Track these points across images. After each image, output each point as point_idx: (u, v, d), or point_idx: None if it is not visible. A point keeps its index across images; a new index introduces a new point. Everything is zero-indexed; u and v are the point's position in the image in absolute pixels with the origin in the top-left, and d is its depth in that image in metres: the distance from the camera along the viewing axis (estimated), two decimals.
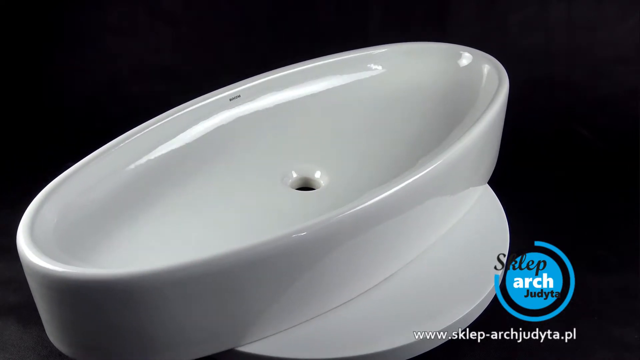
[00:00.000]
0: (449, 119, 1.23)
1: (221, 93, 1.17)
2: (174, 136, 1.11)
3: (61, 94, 1.75)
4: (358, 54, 1.32)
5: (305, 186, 1.19)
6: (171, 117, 1.10)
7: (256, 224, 1.06)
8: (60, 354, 1.04)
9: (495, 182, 1.27)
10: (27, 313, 1.11)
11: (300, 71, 1.27)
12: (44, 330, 1.07)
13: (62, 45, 1.80)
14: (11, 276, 1.20)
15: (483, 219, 1.17)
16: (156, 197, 1.05)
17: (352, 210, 0.84)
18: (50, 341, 1.05)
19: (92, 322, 0.80)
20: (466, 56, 1.29)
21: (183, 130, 1.12)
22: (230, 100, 1.13)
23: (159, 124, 1.08)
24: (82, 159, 0.94)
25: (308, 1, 1.79)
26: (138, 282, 0.76)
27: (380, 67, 1.33)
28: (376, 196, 0.86)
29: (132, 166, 1.04)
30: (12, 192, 1.45)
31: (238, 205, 1.10)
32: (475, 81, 1.24)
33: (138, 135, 1.05)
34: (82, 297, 0.78)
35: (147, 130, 1.06)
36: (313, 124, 1.28)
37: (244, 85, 1.20)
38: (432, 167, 0.92)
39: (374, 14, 1.78)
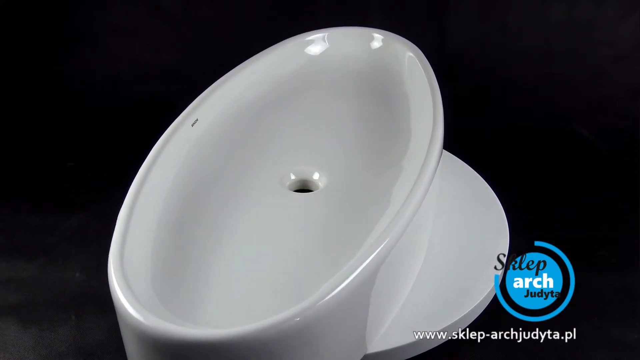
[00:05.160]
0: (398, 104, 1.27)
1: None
2: (181, 158, 1.09)
3: (61, 94, 1.75)
4: (294, 42, 1.34)
5: (304, 188, 1.19)
6: (171, 140, 1.07)
7: (276, 232, 1.06)
8: (60, 354, 1.04)
9: (496, 182, 1.27)
10: (27, 313, 1.11)
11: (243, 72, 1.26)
12: (44, 330, 1.08)
13: (62, 45, 1.80)
14: (11, 276, 1.19)
15: (483, 219, 1.17)
16: (191, 234, 1.03)
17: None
18: (50, 341, 1.06)
19: None
20: (377, 38, 1.34)
21: (186, 151, 1.11)
22: (192, 125, 1.12)
23: (165, 152, 1.05)
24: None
25: (308, 1, 1.79)
26: (278, 332, 0.75)
27: (318, 52, 1.35)
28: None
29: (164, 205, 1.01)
30: (12, 192, 1.45)
31: (254, 218, 1.09)
32: (395, 63, 1.30)
33: (152, 174, 1.01)
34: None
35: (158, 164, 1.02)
36: (284, 122, 1.28)
37: (205, 97, 1.17)
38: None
39: (374, 15, 1.78)
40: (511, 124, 1.62)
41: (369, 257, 0.82)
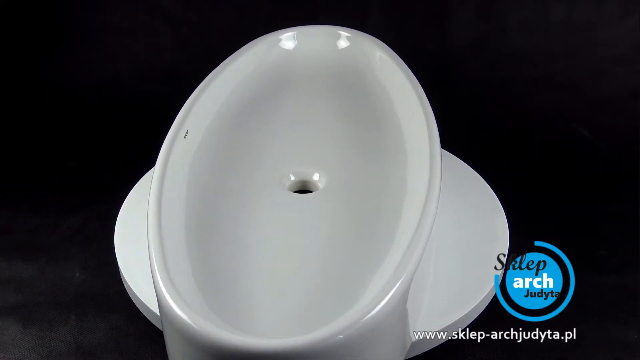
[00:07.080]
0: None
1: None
2: (191, 158, 1.11)
3: (61, 94, 1.75)
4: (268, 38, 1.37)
5: (304, 189, 1.19)
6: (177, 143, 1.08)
7: (295, 235, 1.06)
8: (60, 354, 1.04)
9: (496, 182, 1.27)
10: (27, 313, 1.11)
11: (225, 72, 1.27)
12: (44, 330, 1.08)
13: (62, 45, 1.80)
14: (11, 276, 1.20)
15: (483, 219, 1.17)
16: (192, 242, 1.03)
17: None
18: (50, 341, 1.06)
19: None
20: (343, 36, 1.37)
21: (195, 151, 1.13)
22: (185, 137, 1.12)
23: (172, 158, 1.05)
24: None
25: (308, 1, 1.79)
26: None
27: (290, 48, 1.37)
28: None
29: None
30: (12, 192, 1.45)
31: (256, 219, 1.09)
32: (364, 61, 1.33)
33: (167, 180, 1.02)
34: None
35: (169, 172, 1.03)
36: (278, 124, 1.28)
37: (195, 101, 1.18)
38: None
39: (374, 15, 1.78)
40: (511, 124, 1.62)
41: (414, 257, 0.84)
